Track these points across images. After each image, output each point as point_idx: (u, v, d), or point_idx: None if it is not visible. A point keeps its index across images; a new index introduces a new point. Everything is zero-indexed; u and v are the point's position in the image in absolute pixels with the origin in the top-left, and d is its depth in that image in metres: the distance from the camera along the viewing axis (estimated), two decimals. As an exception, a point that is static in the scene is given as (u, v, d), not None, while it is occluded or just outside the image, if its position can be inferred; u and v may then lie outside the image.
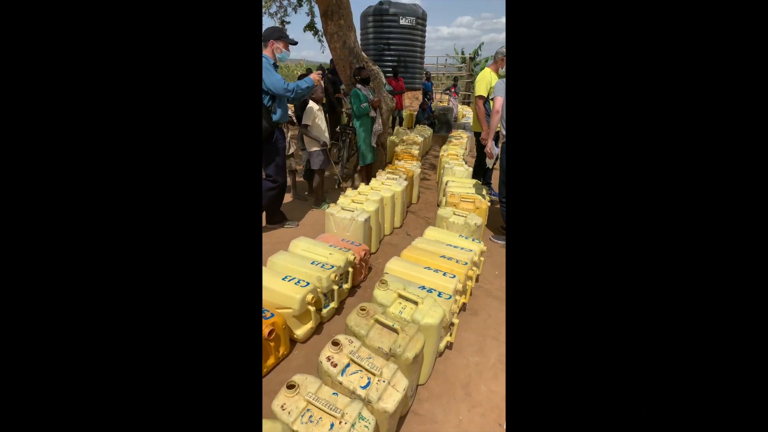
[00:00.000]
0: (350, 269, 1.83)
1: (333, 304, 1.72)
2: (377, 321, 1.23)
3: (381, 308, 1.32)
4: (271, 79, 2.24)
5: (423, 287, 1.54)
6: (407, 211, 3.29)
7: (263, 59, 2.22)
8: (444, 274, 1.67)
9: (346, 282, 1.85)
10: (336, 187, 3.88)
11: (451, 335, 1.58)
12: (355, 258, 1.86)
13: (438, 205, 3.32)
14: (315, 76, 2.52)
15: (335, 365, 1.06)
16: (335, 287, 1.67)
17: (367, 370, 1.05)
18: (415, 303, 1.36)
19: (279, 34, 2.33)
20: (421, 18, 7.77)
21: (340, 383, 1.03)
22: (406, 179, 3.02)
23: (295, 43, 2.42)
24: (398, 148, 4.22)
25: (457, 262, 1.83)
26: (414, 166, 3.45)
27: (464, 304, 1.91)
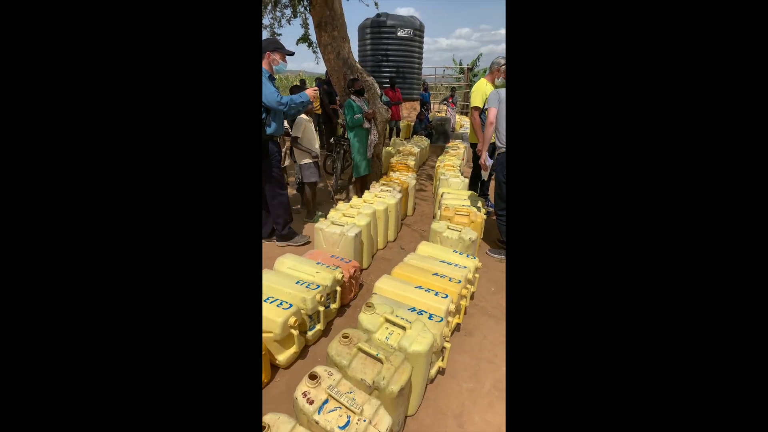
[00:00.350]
0: (338, 288, 1.75)
1: (319, 326, 1.63)
2: (360, 349, 1.14)
3: (366, 334, 1.23)
4: (264, 92, 2.19)
5: (413, 309, 1.46)
6: (402, 223, 3.21)
7: None
8: (436, 294, 1.59)
9: (334, 302, 1.76)
10: (330, 199, 3.81)
11: (443, 360, 1.49)
12: (343, 276, 1.78)
13: (434, 218, 3.25)
14: (311, 92, 2.47)
15: (311, 402, 0.97)
16: (321, 308, 1.59)
17: (346, 407, 0.96)
18: (403, 328, 1.27)
19: (275, 46, 2.29)
20: (419, 29, 7.81)
21: (317, 423, 0.94)
22: (400, 191, 2.95)
23: (292, 54, 2.38)
24: (394, 159, 4.16)
25: (450, 280, 1.75)
26: (409, 178, 3.39)
27: (458, 324, 1.83)
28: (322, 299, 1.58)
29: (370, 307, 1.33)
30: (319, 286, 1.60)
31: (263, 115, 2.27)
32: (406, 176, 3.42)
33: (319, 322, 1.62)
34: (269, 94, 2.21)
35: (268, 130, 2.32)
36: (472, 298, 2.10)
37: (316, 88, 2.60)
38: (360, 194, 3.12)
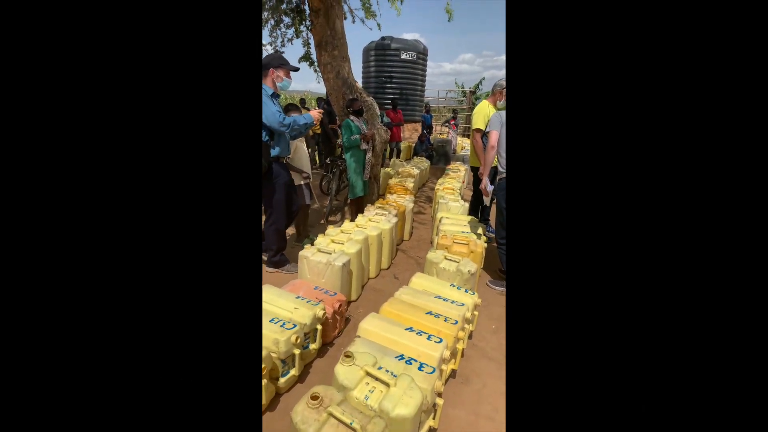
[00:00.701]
0: (319, 327, 1.55)
1: (293, 372, 1.43)
2: (331, 415, 0.94)
3: (341, 393, 1.04)
4: (265, 112, 2.04)
5: (401, 357, 1.26)
6: (397, 249, 3.03)
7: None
8: (429, 338, 1.39)
9: (314, 341, 1.56)
10: (323, 221, 3.65)
11: (434, 418, 1.27)
12: (325, 313, 1.59)
13: (431, 243, 3.07)
14: (315, 113, 2.33)
15: (262, 491, 0.77)
16: (297, 351, 1.39)
17: (305, 499, 0.76)
18: (387, 384, 1.08)
19: (279, 62, 2.16)
20: (422, 53, 7.89)
21: None
22: (396, 215, 2.79)
23: (297, 70, 2.26)
24: (392, 181, 4.03)
25: (446, 320, 1.56)
26: (407, 201, 3.23)
27: (453, 370, 1.62)
28: (299, 341, 1.39)
29: (348, 357, 1.14)
30: (295, 326, 1.41)
31: (266, 138, 2.12)
32: (403, 199, 3.27)
33: (293, 366, 1.42)
34: (270, 114, 2.05)
35: (273, 152, 2.18)
36: (470, 337, 1.90)
37: (321, 110, 2.47)
38: (354, 217, 2.96)
